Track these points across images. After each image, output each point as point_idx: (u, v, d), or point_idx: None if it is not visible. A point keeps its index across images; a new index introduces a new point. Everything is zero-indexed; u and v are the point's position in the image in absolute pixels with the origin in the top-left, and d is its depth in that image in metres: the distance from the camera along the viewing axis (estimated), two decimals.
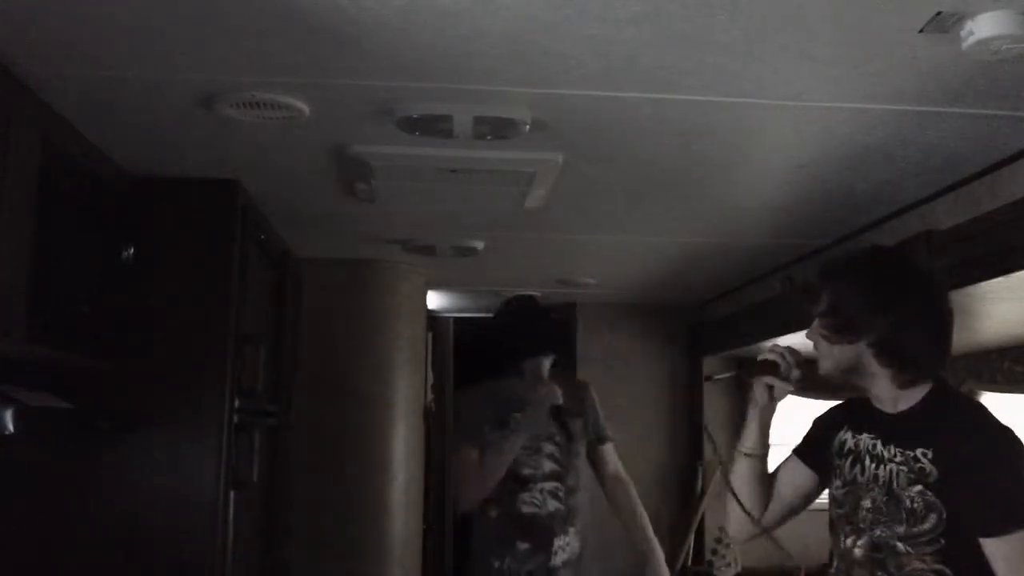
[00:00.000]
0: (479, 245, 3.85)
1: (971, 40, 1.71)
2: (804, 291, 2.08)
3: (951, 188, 2.77)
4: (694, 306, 5.54)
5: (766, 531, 2.06)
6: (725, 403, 5.56)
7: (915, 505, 1.77)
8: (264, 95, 2.14)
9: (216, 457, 2.72)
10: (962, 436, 1.79)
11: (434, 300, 5.42)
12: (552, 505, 2.95)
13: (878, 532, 1.82)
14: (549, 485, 2.93)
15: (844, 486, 1.93)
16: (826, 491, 2.07)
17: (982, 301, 2.94)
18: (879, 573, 1.81)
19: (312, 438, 4.10)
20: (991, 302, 2.95)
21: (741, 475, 2.07)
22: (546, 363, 3.09)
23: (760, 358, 2.06)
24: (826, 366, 1.97)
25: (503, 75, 2.02)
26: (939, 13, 1.67)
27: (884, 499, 1.83)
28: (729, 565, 5.28)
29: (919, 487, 1.77)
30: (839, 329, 1.93)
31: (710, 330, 5.37)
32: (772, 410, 2.06)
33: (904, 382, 1.88)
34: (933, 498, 1.75)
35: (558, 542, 2.96)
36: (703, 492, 5.40)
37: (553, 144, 2.50)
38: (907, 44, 1.80)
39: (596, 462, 3.18)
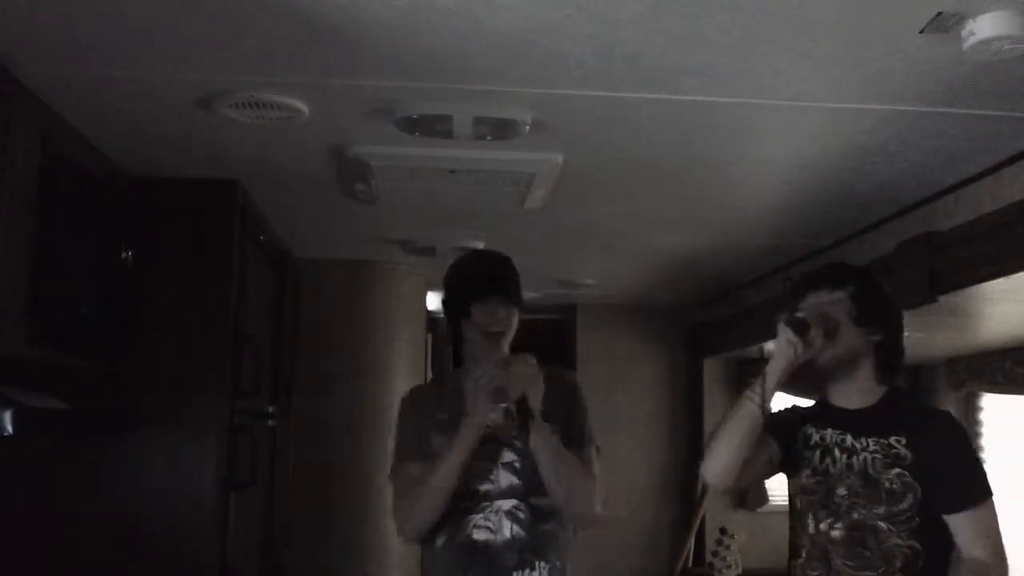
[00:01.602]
0: (479, 245, 3.85)
1: (972, 40, 1.71)
2: (829, 276, 2.14)
3: (952, 189, 2.77)
4: (694, 306, 5.54)
5: (736, 485, 2.17)
6: (725, 403, 5.56)
7: (894, 486, 1.97)
8: (264, 95, 2.14)
9: (216, 457, 2.72)
10: (929, 425, 2.05)
11: (434, 300, 5.42)
12: (510, 530, 2.20)
13: (856, 515, 2.00)
14: (507, 504, 2.21)
15: (815, 475, 2.07)
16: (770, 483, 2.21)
17: (982, 302, 2.94)
18: (859, 550, 1.98)
19: (312, 438, 4.11)
20: (991, 303, 2.95)
21: (739, 421, 2.07)
22: (502, 312, 2.24)
23: (799, 315, 2.06)
24: (835, 351, 2.06)
25: (503, 75, 2.02)
26: (939, 13, 1.67)
27: (861, 484, 2.01)
28: (730, 566, 5.28)
29: (897, 470, 1.98)
30: (867, 314, 2.07)
31: (710, 330, 5.37)
32: (787, 366, 2.04)
33: (881, 378, 2.10)
34: (910, 479, 1.97)
35: None
36: (703, 493, 5.40)
37: (553, 144, 2.50)
38: (907, 44, 1.80)
39: None
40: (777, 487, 5.41)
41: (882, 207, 3.08)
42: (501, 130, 2.31)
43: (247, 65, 1.99)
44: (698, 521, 5.39)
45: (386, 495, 4.29)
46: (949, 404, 4.72)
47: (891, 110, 2.19)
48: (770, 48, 1.85)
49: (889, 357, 2.11)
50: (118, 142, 2.51)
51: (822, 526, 2.03)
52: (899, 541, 1.97)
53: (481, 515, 2.21)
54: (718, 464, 2.10)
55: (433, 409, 2.26)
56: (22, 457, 2.47)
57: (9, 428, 2.03)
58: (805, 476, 2.10)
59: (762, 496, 5.41)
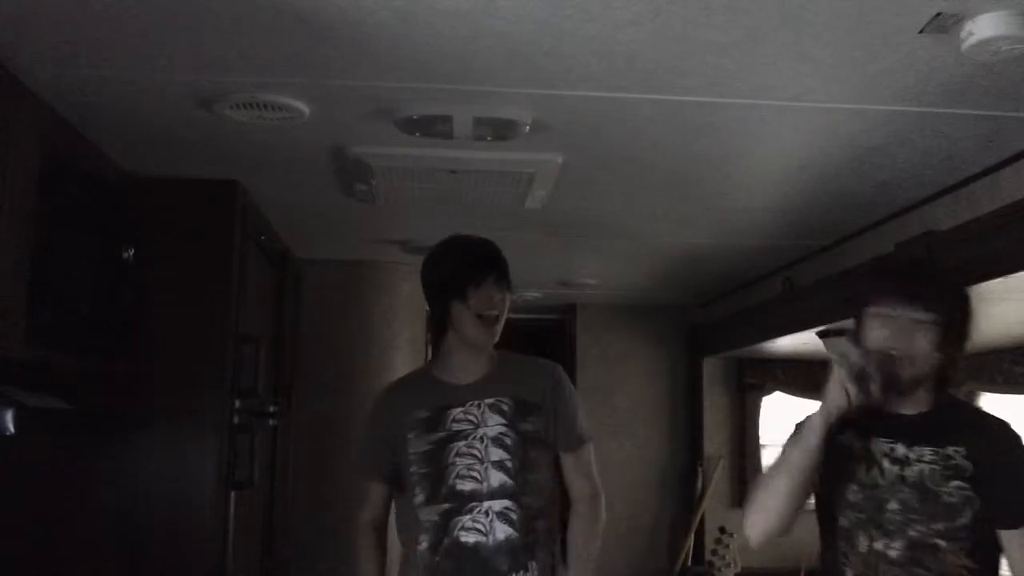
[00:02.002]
0: None
1: (971, 41, 1.71)
2: (921, 292, 1.84)
3: (951, 189, 2.77)
4: (694, 306, 5.54)
5: (779, 536, 1.91)
6: (725, 403, 5.56)
7: (953, 500, 1.79)
8: (264, 95, 2.14)
9: (216, 457, 2.72)
10: (989, 434, 1.86)
11: None
12: (503, 531, 2.09)
13: (912, 532, 1.81)
14: (498, 505, 2.10)
15: (862, 490, 1.86)
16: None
17: (982, 302, 2.93)
18: (917, 570, 1.80)
19: (312, 438, 4.11)
20: (991, 303, 2.95)
21: (785, 477, 1.84)
22: (498, 295, 2.18)
23: (861, 361, 1.80)
24: (922, 369, 1.83)
25: (503, 75, 2.02)
26: (939, 14, 1.67)
27: (917, 498, 1.82)
28: (729, 565, 5.29)
29: (956, 482, 1.80)
30: (952, 339, 1.84)
31: (710, 330, 5.37)
32: (835, 417, 1.81)
33: (936, 386, 1.89)
34: (971, 492, 1.79)
35: None
36: (703, 492, 5.40)
37: (553, 144, 2.50)
38: (907, 44, 1.81)
39: (566, 470, 2.25)
40: None
41: (882, 207, 3.08)
42: (501, 130, 2.31)
43: (247, 65, 1.99)
44: (697, 520, 5.40)
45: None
46: None
47: (890, 110, 2.19)
48: (770, 48, 1.85)
49: (955, 367, 1.89)
50: (118, 142, 2.51)
51: (876, 545, 1.83)
52: (955, 560, 1.80)
53: (469, 516, 2.10)
54: (764, 524, 1.87)
55: (412, 408, 2.16)
56: (23, 457, 2.47)
57: (10, 428, 2.04)
58: (851, 491, 1.87)
59: None
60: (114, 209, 2.60)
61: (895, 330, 1.81)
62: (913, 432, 1.85)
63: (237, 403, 2.84)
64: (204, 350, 2.76)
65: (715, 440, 5.50)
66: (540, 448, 2.17)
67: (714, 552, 5.38)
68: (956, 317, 1.85)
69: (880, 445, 1.87)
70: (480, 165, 2.66)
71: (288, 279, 3.85)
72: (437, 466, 2.11)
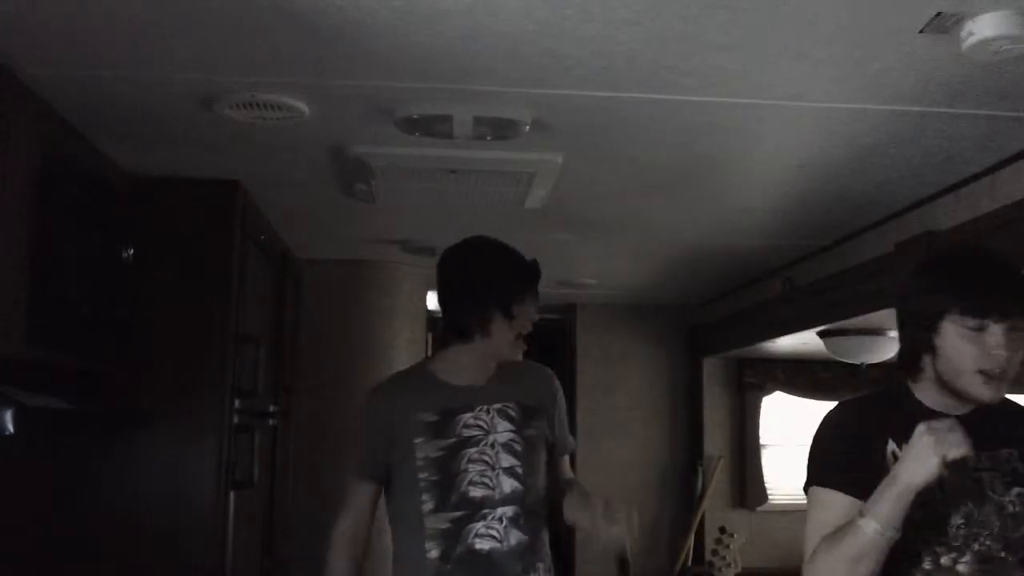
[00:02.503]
0: None
1: (971, 40, 1.71)
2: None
3: (951, 189, 2.77)
4: (694, 306, 5.54)
5: None
6: (725, 403, 5.56)
7: (1016, 510, 1.65)
8: (264, 95, 2.14)
9: (216, 457, 2.72)
10: None
11: (434, 300, 5.42)
12: (515, 536, 2.08)
13: (978, 546, 1.65)
14: (510, 511, 2.08)
15: (922, 506, 1.59)
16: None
17: None
18: None
19: (312, 438, 4.11)
20: None
21: (859, 558, 1.56)
22: (535, 314, 2.21)
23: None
24: (917, 478, 1.54)
25: (503, 75, 2.02)
26: (939, 14, 1.67)
27: (979, 509, 1.66)
28: (729, 565, 5.29)
29: (1017, 489, 1.66)
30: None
31: (710, 330, 5.37)
32: (922, 485, 1.53)
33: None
34: None
35: None
36: (703, 492, 5.40)
37: (553, 144, 2.50)
38: (907, 44, 1.80)
39: (558, 472, 2.27)
40: (777, 486, 5.43)
41: (881, 207, 3.08)
42: (501, 130, 2.31)
43: (247, 65, 1.99)
44: (698, 520, 5.39)
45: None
46: None
47: (890, 110, 2.19)
48: (770, 48, 1.85)
49: None
50: (118, 142, 2.51)
51: (944, 561, 1.64)
52: (1019, 573, 1.65)
53: (483, 523, 2.08)
54: None
55: (416, 410, 2.10)
56: (23, 457, 2.47)
57: (10, 428, 2.03)
58: (915, 507, 1.58)
59: (762, 495, 5.42)
60: (114, 209, 2.60)
61: (1001, 343, 1.57)
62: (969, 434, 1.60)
63: (237, 403, 2.84)
64: (204, 350, 2.76)
65: (715, 440, 5.50)
66: (540, 452, 2.17)
67: (714, 552, 5.38)
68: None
69: None
70: (480, 165, 2.66)
71: (288, 279, 3.85)
72: (448, 473, 2.07)
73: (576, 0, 1.66)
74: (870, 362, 4.21)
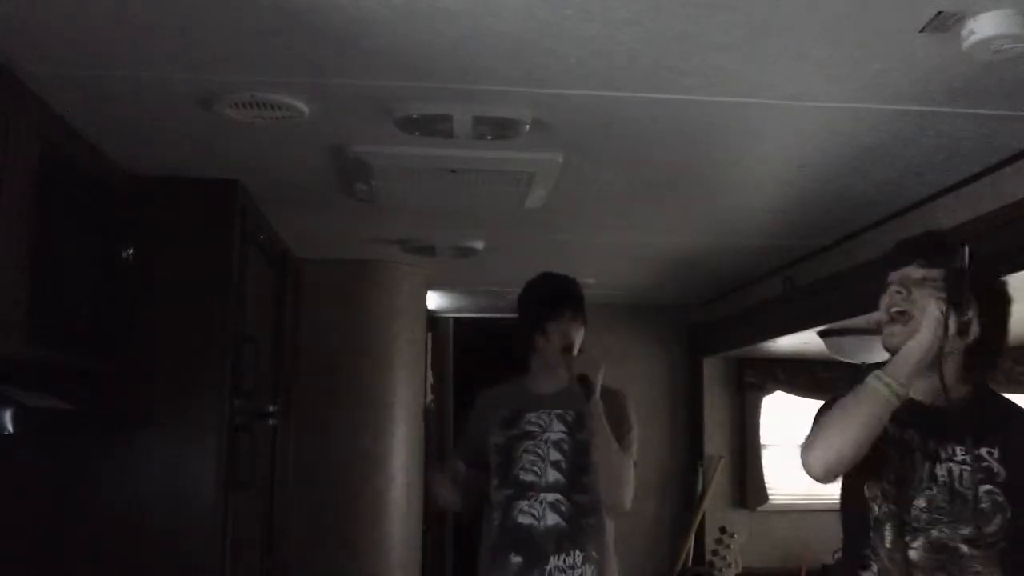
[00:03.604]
0: (479, 245, 3.85)
1: (971, 40, 1.71)
2: (920, 249, 1.81)
3: (952, 188, 2.77)
4: (694, 306, 5.54)
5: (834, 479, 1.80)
6: (725, 403, 5.56)
7: (983, 505, 1.71)
8: (264, 95, 2.14)
9: (216, 457, 2.72)
10: None
11: (434, 300, 5.42)
12: (552, 519, 2.51)
13: (936, 532, 1.74)
14: (551, 496, 2.53)
15: (896, 481, 1.76)
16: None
17: None
18: (938, 574, 1.73)
19: (312, 438, 4.11)
20: None
21: (868, 409, 1.68)
22: (573, 328, 2.66)
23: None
24: (930, 337, 1.69)
25: (503, 75, 2.01)
26: (939, 13, 1.67)
27: (945, 498, 1.74)
28: (730, 565, 5.29)
29: (987, 486, 1.72)
30: (965, 292, 1.72)
31: (710, 330, 5.37)
32: (932, 349, 1.68)
33: (969, 369, 1.80)
34: (1001, 498, 1.72)
35: (555, 561, 2.51)
36: (703, 492, 5.40)
37: (553, 144, 2.50)
38: (907, 44, 1.80)
39: None
40: (777, 486, 5.44)
41: (882, 206, 3.08)
42: (501, 130, 2.31)
43: (247, 65, 1.99)
44: (698, 520, 5.39)
45: (386, 495, 4.31)
46: None
47: (891, 110, 2.19)
48: (770, 48, 1.85)
49: (990, 350, 1.80)
50: (118, 142, 2.51)
51: (898, 541, 1.75)
52: (980, 568, 1.72)
53: (527, 502, 2.55)
54: (834, 457, 1.71)
55: (499, 408, 2.67)
56: (23, 457, 2.47)
57: (10, 427, 2.04)
58: (888, 481, 1.77)
59: (762, 495, 5.42)
60: (114, 209, 2.60)
61: (906, 288, 1.77)
62: (945, 426, 1.76)
63: (237, 403, 2.84)
64: (204, 350, 2.76)
65: (715, 440, 5.50)
66: (591, 455, 2.57)
67: (714, 552, 5.38)
68: (966, 272, 1.71)
69: (913, 436, 1.78)
70: (480, 164, 2.66)
71: (288, 279, 3.85)
72: (508, 458, 2.60)
73: (576, 0, 1.66)
74: (870, 362, 4.21)
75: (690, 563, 5.39)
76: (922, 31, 1.74)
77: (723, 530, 5.39)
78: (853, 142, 2.44)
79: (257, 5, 1.69)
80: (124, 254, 2.66)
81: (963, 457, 1.74)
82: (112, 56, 1.95)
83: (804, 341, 4.39)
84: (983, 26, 1.68)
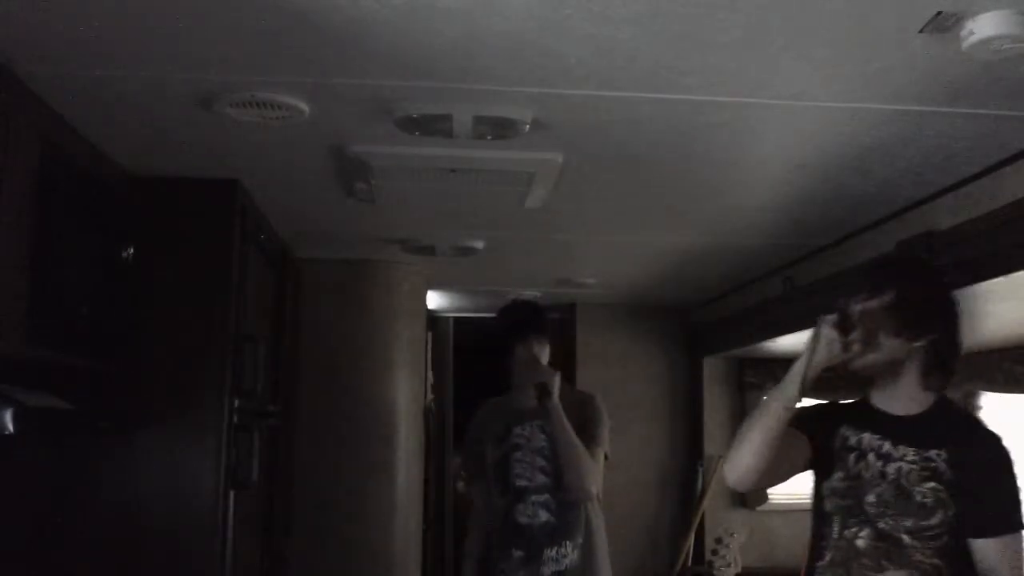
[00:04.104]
0: (479, 245, 3.85)
1: (971, 40, 1.71)
2: (868, 284, 1.99)
3: (951, 188, 2.77)
4: (694, 306, 5.54)
5: (757, 487, 2.11)
6: (725, 403, 5.56)
7: (926, 500, 1.88)
8: (264, 95, 2.14)
9: (216, 457, 2.72)
10: (974, 443, 1.95)
11: (434, 300, 5.42)
12: (543, 517, 2.95)
13: (882, 524, 1.92)
14: (541, 497, 2.95)
15: (847, 479, 1.98)
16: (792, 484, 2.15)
17: (982, 301, 2.94)
18: (882, 562, 1.91)
19: (312, 438, 4.11)
20: (991, 302, 2.95)
21: (764, 421, 1.94)
22: (536, 347, 3.05)
23: (843, 315, 1.95)
24: (873, 359, 1.95)
25: (503, 75, 2.02)
26: (939, 13, 1.67)
27: (892, 494, 1.93)
28: (729, 565, 5.28)
29: (931, 484, 1.89)
30: (908, 323, 1.94)
31: (710, 330, 5.37)
32: (820, 366, 1.93)
33: (929, 384, 1.99)
34: (944, 495, 1.88)
35: (548, 553, 2.94)
36: (703, 492, 5.40)
37: (553, 144, 2.50)
38: (907, 44, 1.80)
39: None
40: (777, 487, 5.43)
41: (882, 206, 3.08)
42: (501, 129, 2.31)
43: (247, 65, 1.99)
44: (698, 520, 5.39)
45: (386, 495, 4.31)
46: None
47: (891, 110, 2.19)
48: (770, 48, 1.85)
49: (938, 361, 1.98)
50: (118, 142, 2.51)
51: (847, 532, 1.96)
52: (923, 558, 1.88)
53: (523, 504, 2.96)
54: (741, 466, 1.99)
55: (493, 424, 3.09)
56: (23, 457, 2.47)
57: (10, 427, 2.03)
58: (837, 479, 2.00)
59: (762, 495, 5.41)
60: (114, 209, 2.60)
61: (857, 313, 1.94)
62: (902, 431, 1.96)
63: (237, 403, 2.84)
64: (204, 350, 2.76)
65: (715, 440, 5.50)
66: None
67: (714, 552, 5.37)
68: (908, 300, 1.94)
69: (871, 440, 1.99)
70: (480, 164, 2.66)
71: (288, 279, 3.85)
72: (503, 468, 3.01)
73: (576, 0, 1.66)
74: None
75: (690, 563, 5.39)
76: (922, 31, 1.74)
77: (723, 530, 5.39)
78: (853, 142, 2.44)
79: (257, 5, 1.69)
80: (124, 254, 2.66)
81: (913, 458, 1.93)
82: (112, 56, 1.95)
83: (804, 341, 4.38)
84: (983, 26, 1.68)
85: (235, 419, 2.82)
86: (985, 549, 1.87)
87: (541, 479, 2.96)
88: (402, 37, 1.82)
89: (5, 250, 1.96)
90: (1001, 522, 1.88)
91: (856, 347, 1.93)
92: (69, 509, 2.60)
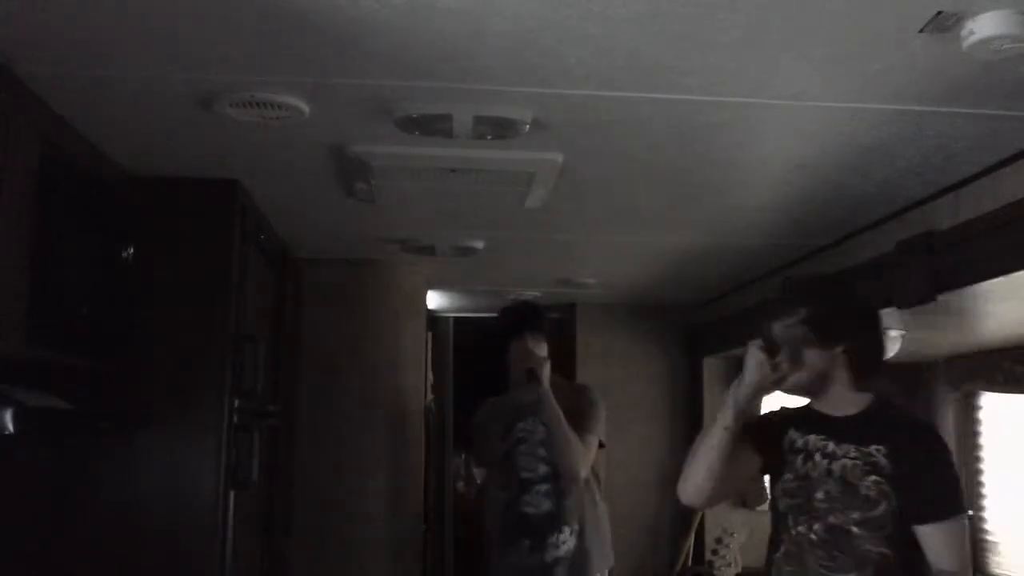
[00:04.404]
0: (479, 245, 3.85)
1: (971, 40, 1.71)
2: (783, 305, 2.24)
3: (951, 188, 2.77)
4: (694, 306, 5.54)
5: (710, 504, 2.42)
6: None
7: (870, 493, 2.03)
8: (264, 95, 2.14)
9: (216, 457, 2.72)
10: (912, 437, 2.12)
11: (434, 300, 5.42)
12: (546, 505, 3.17)
13: (832, 518, 2.07)
14: (543, 487, 3.17)
15: (796, 479, 2.15)
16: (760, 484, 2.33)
17: (982, 301, 2.94)
18: (834, 552, 2.05)
19: (312, 438, 4.11)
20: (991, 302, 2.95)
21: (709, 442, 2.16)
22: (531, 342, 3.23)
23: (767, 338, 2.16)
24: (803, 375, 2.16)
25: (503, 75, 2.02)
26: (939, 13, 1.67)
27: (839, 490, 2.08)
28: (729, 565, 5.29)
29: (873, 477, 2.05)
30: (824, 334, 2.14)
31: (710, 330, 5.37)
32: (755, 389, 2.16)
33: (861, 386, 2.17)
34: (886, 487, 2.03)
35: (551, 539, 3.18)
36: None
37: (553, 144, 2.50)
38: (907, 44, 1.80)
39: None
40: None
41: (882, 206, 3.08)
42: (501, 130, 2.31)
43: (247, 65, 1.99)
44: (698, 520, 5.39)
45: (386, 495, 4.31)
46: (948, 403, 4.72)
47: (891, 110, 2.19)
48: (770, 48, 1.85)
49: (862, 364, 2.17)
50: (118, 142, 2.51)
51: (801, 528, 2.11)
52: (871, 547, 2.03)
53: (528, 495, 3.20)
54: (691, 486, 2.21)
55: (497, 421, 3.32)
56: (22, 456, 2.47)
57: (10, 427, 2.03)
58: (787, 480, 2.17)
59: (762, 495, 5.41)
60: (114, 209, 2.60)
61: (779, 335, 2.15)
62: (843, 431, 2.12)
63: (237, 403, 2.84)
64: (204, 350, 2.76)
65: None
66: None
67: (714, 552, 5.37)
68: (819, 314, 2.14)
69: (816, 441, 2.15)
70: (480, 164, 2.66)
71: (288, 279, 3.85)
72: (510, 462, 3.25)
73: (576, 0, 1.66)
74: None
75: (690, 563, 5.39)
76: (922, 31, 1.74)
77: (723, 529, 5.39)
78: (853, 142, 2.44)
79: (257, 5, 1.69)
80: (124, 254, 2.66)
81: (855, 455, 2.08)
82: (112, 56, 1.95)
83: None
84: (983, 26, 1.68)
85: (235, 419, 2.82)
86: (929, 534, 2.01)
87: (543, 469, 3.19)
88: (402, 37, 1.82)
89: (5, 250, 1.96)
90: (942, 508, 2.02)
91: (784, 366, 2.12)
92: (69, 509, 2.60)
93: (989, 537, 4.42)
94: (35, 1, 1.70)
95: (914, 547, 2.03)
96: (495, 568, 3.37)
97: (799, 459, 2.16)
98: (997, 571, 4.36)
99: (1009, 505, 4.27)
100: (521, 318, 3.31)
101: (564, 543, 3.20)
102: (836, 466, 2.09)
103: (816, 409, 2.22)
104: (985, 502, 4.46)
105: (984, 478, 4.51)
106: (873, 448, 2.07)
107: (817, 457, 2.12)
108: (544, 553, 3.17)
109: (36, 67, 1.98)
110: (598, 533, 3.28)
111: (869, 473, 2.05)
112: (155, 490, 2.67)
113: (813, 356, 2.14)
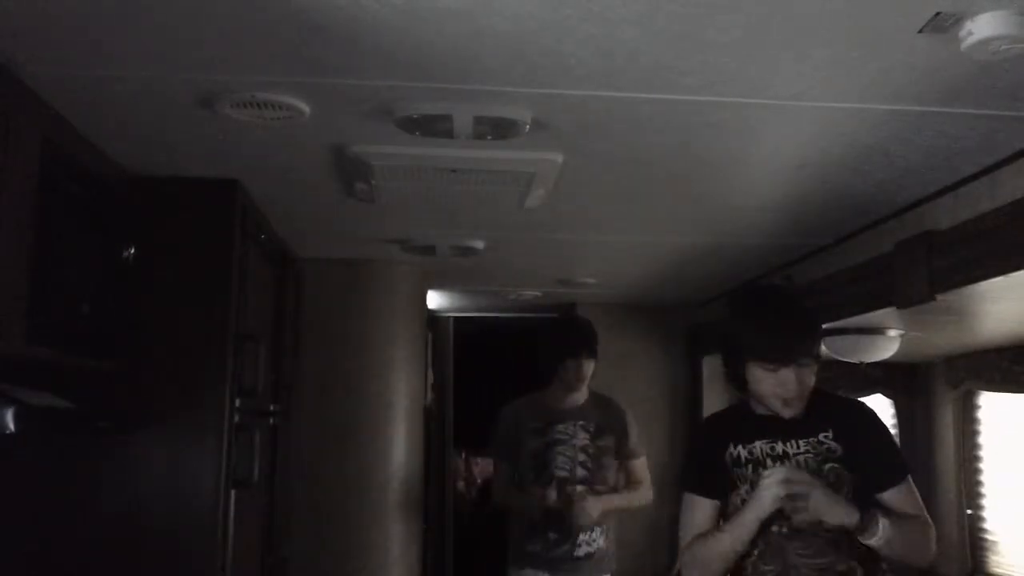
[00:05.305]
0: (479, 245, 3.86)
1: (970, 40, 1.71)
2: (800, 347, 2.15)
3: (951, 188, 2.78)
4: (694, 306, 5.54)
5: None
6: (725, 403, 5.55)
7: (830, 480, 2.08)
8: (264, 95, 2.14)
9: (216, 457, 2.72)
10: (851, 416, 2.20)
11: (434, 300, 5.42)
12: None
13: (803, 514, 2.06)
14: (580, 488, 3.36)
15: (753, 489, 2.12)
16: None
17: (981, 301, 2.95)
18: (810, 539, 2.09)
19: (312, 438, 4.11)
20: (990, 302, 2.95)
21: (718, 560, 2.13)
22: (585, 366, 3.46)
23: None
24: (807, 394, 2.15)
25: (503, 75, 2.02)
26: (938, 13, 1.67)
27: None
28: None
29: (831, 464, 2.11)
30: (818, 353, 2.17)
31: (710, 330, 5.36)
32: (762, 519, 2.08)
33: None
34: (842, 470, 2.11)
35: (583, 536, 3.40)
36: None
37: (553, 144, 2.50)
38: (907, 44, 1.81)
39: (627, 473, 3.62)
40: None
41: (881, 206, 3.08)
42: (501, 130, 2.31)
43: (247, 65, 1.99)
44: None
45: (386, 495, 4.30)
46: (947, 402, 4.73)
47: (890, 110, 2.19)
48: (770, 48, 1.85)
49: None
50: (118, 142, 2.51)
51: (773, 528, 2.11)
52: (837, 534, 2.08)
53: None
54: None
55: (529, 420, 3.51)
56: (23, 456, 2.47)
57: (11, 426, 2.04)
58: (745, 492, 2.14)
59: None
60: (114, 209, 2.60)
61: (792, 379, 2.09)
62: (788, 429, 2.15)
63: (237, 403, 2.84)
64: (204, 350, 2.76)
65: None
66: (609, 456, 3.52)
67: None
68: (820, 350, 2.19)
69: (762, 447, 2.16)
70: (480, 164, 2.66)
71: (288, 279, 3.85)
72: (544, 459, 3.45)
73: (576, 0, 1.66)
74: (869, 361, 4.22)
75: None
76: (921, 31, 1.74)
77: None
78: (853, 142, 2.44)
79: (257, 5, 1.70)
80: (124, 254, 2.66)
81: (806, 447, 2.13)
82: (112, 56, 1.95)
83: None
84: (982, 27, 1.68)
85: (236, 419, 2.82)
86: (891, 499, 2.10)
87: (581, 472, 3.42)
88: (402, 37, 1.82)
89: (5, 250, 1.96)
90: (896, 473, 2.13)
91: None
92: (69, 509, 2.60)
93: (989, 536, 4.42)
94: (35, 1, 1.70)
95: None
96: (518, 555, 3.53)
97: (748, 469, 2.16)
98: (997, 570, 4.36)
99: (1008, 504, 4.27)
100: (583, 340, 3.48)
101: (595, 541, 3.43)
102: (791, 463, 2.12)
103: (759, 413, 2.20)
104: (984, 501, 4.46)
105: (983, 477, 4.51)
106: (822, 436, 2.13)
107: (768, 462, 2.14)
108: (574, 548, 3.39)
109: (37, 67, 1.98)
110: (615, 535, 3.56)
111: (825, 461, 2.11)
112: (155, 490, 2.67)
113: (811, 377, 2.15)
